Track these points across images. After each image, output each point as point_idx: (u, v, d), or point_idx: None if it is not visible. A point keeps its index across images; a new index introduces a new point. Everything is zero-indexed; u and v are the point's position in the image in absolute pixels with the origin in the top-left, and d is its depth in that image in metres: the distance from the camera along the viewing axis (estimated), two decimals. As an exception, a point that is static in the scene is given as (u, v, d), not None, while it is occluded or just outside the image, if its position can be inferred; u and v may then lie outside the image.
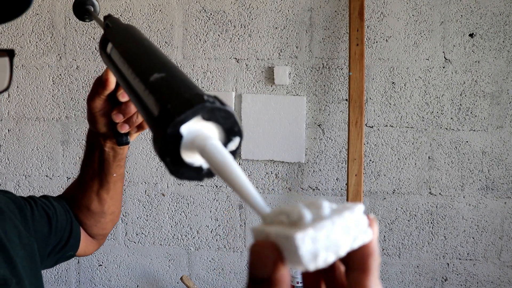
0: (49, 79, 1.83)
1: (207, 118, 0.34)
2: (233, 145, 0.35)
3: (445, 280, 1.72)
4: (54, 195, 0.93)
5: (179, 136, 0.33)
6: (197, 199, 1.81)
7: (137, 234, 1.86)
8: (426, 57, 1.64)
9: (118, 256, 1.88)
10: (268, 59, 1.71)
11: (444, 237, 1.70)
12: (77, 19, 0.77)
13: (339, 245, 0.29)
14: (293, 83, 1.71)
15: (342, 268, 0.32)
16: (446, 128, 1.66)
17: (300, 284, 1.64)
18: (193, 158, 0.34)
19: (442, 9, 1.62)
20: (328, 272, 0.32)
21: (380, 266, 1.74)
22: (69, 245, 0.87)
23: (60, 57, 1.82)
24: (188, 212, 1.82)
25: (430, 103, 1.66)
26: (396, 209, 1.71)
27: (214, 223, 1.81)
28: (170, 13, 1.75)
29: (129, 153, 1.83)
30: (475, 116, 1.64)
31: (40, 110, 1.85)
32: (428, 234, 1.71)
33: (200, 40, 1.74)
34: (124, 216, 1.86)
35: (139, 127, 0.77)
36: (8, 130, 1.87)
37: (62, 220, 0.86)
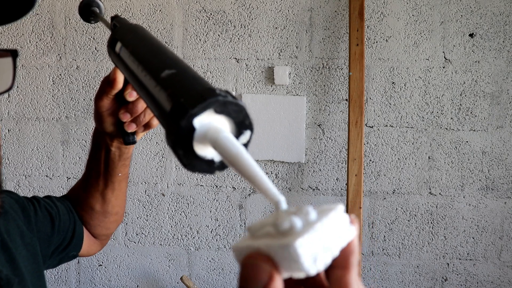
0: (49, 79, 1.83)
1: (219, 111, 0.34)
2: (244, 138, 0.35)
3: (445, 280, 1.72)
4: (57, 195, 0.94)
5: (192, 129, 0.34)
6: (197, 199, 1.81)
7: (137, 234, 1.86)
8: (426, 57, 1.64)
9: (118, 256, 1.88)
10: (268, 59, 1.71)
11: (444, 237, 1.70)
12: (81, 20, 0.78)
13: (332, 245, 0.30)
14: (293, 83, 1.71)
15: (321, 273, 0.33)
16: (446, 128, 1.66)
17: None
18: (205, 151, 0.35)
19: (442, 9, 1.62)
20: (307, 278, 0.33)
21: (380, 266, 1.74)
22: (72, 245, 0.88)
23: (60, 57, 1.82)
24: (188, 212, 1.82)
25: (430, 103, 1.66)
26: (396, 209, 1.71)
27: (214, 223, 1.82)
28: (170, 13, 1.75)
29: (129, 153, 1.83)
30: (475, 116, 1.64)
31: (40, 110, 1.85)
32: (428, 234, 1.71)
33: (200, 40, 1.74)
34: (124, 216, 1.85)
35: (146, 126, 0.77)
36: (8, 130, 1.87)
37: (65, 220, 0.86)
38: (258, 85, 1.73)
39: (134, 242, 1.87)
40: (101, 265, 1.90)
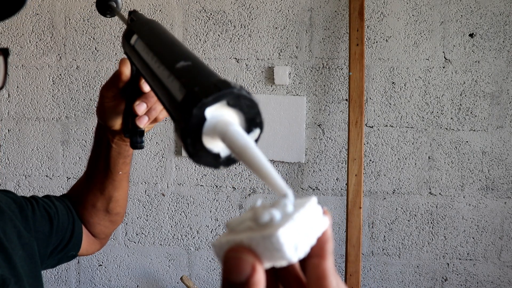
0: (49, 79, 1.83)
1: (232, 104, 0.34)
2: (253, 136, 0.35)
3: (445, 280, 1.72)
4: (57, 195, 0.94)
5: (203, 119, 0.33)
6: (197, 199, 1.81)
7: (137, 234, 1.86)
8: (426, 57, 1.64)
9: (118, 256, 1.88)
10: (268, 59, 1.71)
11: (444, 237, 1.70)
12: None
13: (310, 234, 0.31)
14: (293, 83, 1.71)
15: (296, 264, 0.34)
16: (446, 128, 1.66)
17: None
18: (212, 144, 0.35)
19: (442, 9, 1.62)
20: (283, 270, 0.34)
21: (380, 266, 1.74)
22: (70, 244, 0.88)
23: (60, 57, 1.82)
24: (188, 212, 1.83)
25: (430, 103, 1.66)
26: (396, 209, 1.71)
27: (214, 223, 1.82)
28: (170, 13, 1.75)
29: (129, 153, 1.83)
30: (475, 116, 1.64)
31: (40, 110, 1.85)
32: (428, 234, 1.71)
33: (200, 40, 1.74)
34: (124, 216, 1.86)
35: (154, 120, 0.77)
36: (8, 130, 1.87)
37: (64, 220, 0.86)
38: (258, 85, 1.73)
39: (134, 242, 1.87)
40: (101, 265, 1.90)
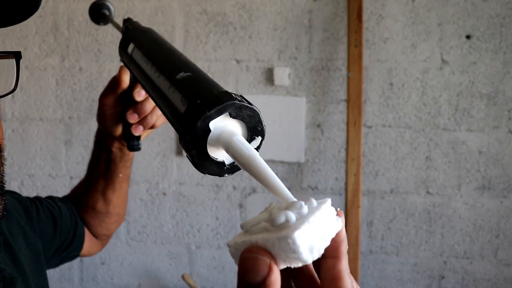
0: (52, 80, 1.85)
1: (234, 115, 0.35)
2: (255, 144, 0.36)
3: (442, 278, 1.74)
4: (60, 195, 0.95)
5: (208, 131, 0.34)
6: (198, 198, 1.83)
7: (139, 233, 1.88)
8: (424, 59, 1.66)
9: (120, 255, 1.90)
10: (268, 60, 1.73)
11: (442, 235, 1.72)
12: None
13: (325, 235, 0.32)
14: (293, 84, 1.73)
15: (310, 266, 0.35)
16: (444, 129, 1.68)
17: None
18: (216, 154, 0.36)
19: (439, 11, 1.64)
20: (297, 270, 0.35)
21: (379, 264, 1.76)
22: (73, 245, 0.89)
23: (63, 58, 1.84)
24: (189, 211, 1.84)
25: (428, 103, 1.67)
26: (394, 208, 1.73)
27: (215, 222, 1.83)
28: (171, 15, 1.77)
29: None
30: (472, 116, 1.66)
31: (43, 111, 1.87)
32: (425, 233, 1.73)
33: (201, 41, 1.76)
34: (126, 215, 1.87)
35: (151, 127, 0.78)
36: (12, 130, 1.89)
37: (67, 221, 0.87)
38: (258, 86, 1.74)
39: (136, 241, 1.89)
40: (103, 263, 1.92)
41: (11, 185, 1.90)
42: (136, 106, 0.74)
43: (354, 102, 1.61)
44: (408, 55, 1.66)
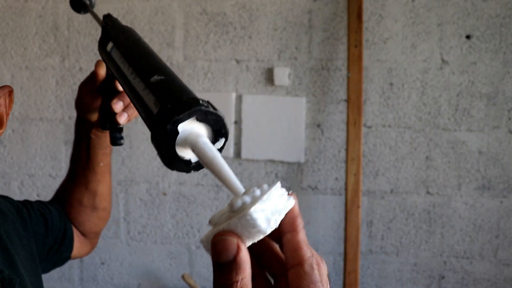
0: (53, 80, 1.86)
1: (200, 119, 0.39)
2: (219, 144, 0.41)
3: (442, 278, 1.74)
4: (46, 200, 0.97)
5: (176, 133, 0.38)
6: (198, 198, 1.83)
7: (139, 233, 1.89)
8: (424, 59, 1.66)
9: (120, 255, 1.90)
10: (268, 60, 1.73)
11: (441, 235, 1.72)
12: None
13: (279, 210, 0.35)
14: (293, 84, 1.73)
15: (275, 245, 0.39)
16: (443, 129, 1.68)
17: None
18: (184, 153, 0.40)
19: (439, 11, 1.64)
20: (265, 252, 0.38)
21: (379, 264, 1.76)
22: (64, 245, 0.90)
23: (63, 58, 1.84)
24: (189, 211, 1.85)
25: (428, 103, 1.68)
26: (394, 208, 1.73)
27: (215, 222, 1.84)
28: (171, 15, 1.77)
29: (130, 153, 1.85)
30: (472, 116, 1.66)
31: (43, 111, 1.87)
32: (425, 232, 1.73)
33: (201, 41, 1.76)
34: (126, 215, 1.88)
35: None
36: (12, 130, 1.89)
37: (57, 221, 0.89)
38: (258, 86, 1.75)
39: (136, 241, 1.89)
40: (103, 263, 1.92)
41: (11, 185, 1.91)
42: (120, 94, 0.77)
43: (354, 102, 1.61)
44: (408, 55, 1.67)
